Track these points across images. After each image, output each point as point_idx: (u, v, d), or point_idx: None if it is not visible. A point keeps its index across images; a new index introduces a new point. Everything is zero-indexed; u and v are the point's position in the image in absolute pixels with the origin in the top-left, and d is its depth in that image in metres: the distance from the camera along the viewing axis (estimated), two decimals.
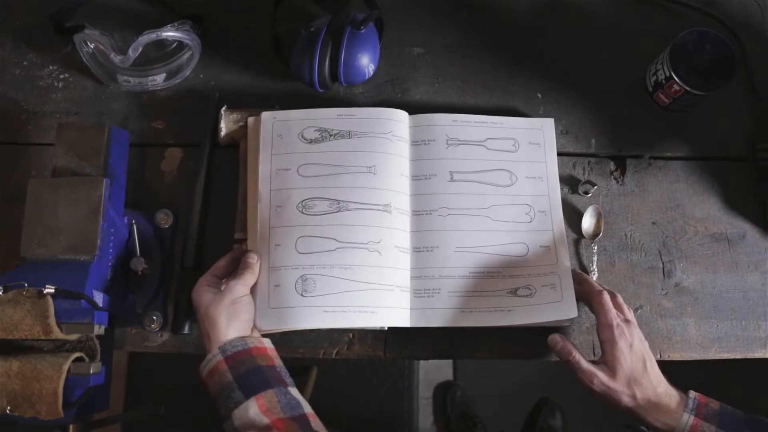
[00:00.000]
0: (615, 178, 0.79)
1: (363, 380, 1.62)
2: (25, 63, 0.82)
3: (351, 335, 0.72)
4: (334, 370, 1.60)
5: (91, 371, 0.57)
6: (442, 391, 1.64)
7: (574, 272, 0.72)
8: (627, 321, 0.66)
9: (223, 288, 0.65)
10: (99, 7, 0.84)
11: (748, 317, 0.75)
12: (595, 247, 0.76)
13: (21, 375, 0.55)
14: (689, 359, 0.75)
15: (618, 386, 0.63)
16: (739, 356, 0.75)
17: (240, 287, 0.65)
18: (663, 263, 0.76)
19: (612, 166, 0.80)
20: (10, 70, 0.81)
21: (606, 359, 0.64)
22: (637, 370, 0.63)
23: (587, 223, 0.76)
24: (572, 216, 0.76)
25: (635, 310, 0.74)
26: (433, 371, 1.65)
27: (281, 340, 0.71)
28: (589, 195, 0.77)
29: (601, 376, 0.63)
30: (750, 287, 0.77)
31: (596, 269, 0.75)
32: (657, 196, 0.79)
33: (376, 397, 1.61)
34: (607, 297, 0.66)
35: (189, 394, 1.60)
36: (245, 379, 0.57)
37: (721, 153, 0.81)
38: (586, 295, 0.69)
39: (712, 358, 0.75)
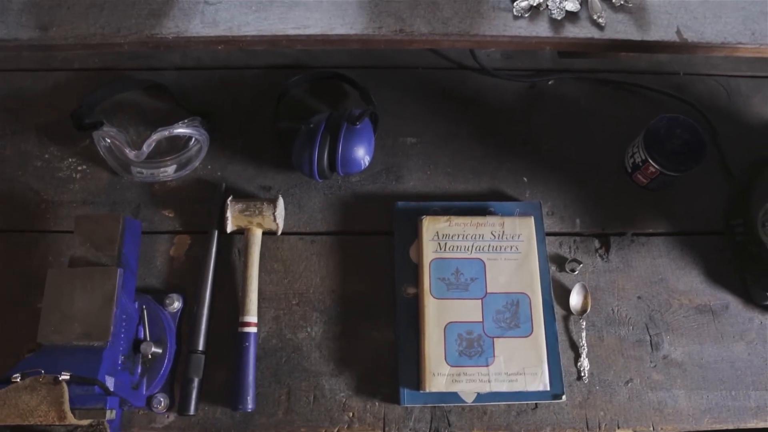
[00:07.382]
0: (600, 256, 0.83)
1: None
2: (46, 156, 0.88)
3: (351, 414, 0.75)
4: None
5: None
6: None
7: None
8: None
9: None
10: (116, 103, 0.91)
11: (738, 387, 0.77)
12: (584, 323, 0.79)
13: None
14: (683, 431, 0.76)
15: None
16: (731, 426, 0.77)
17: None
18: (650, 336, 0.79)
19: (597, 243, 0.84)
20: (32, 163, 0.88)
21: None
22: None
23: (575, 299, 0.80)
24: (560, 293, 0.80)
25: (626, 383, 0.77)
26: None
27: (283, 420, 0.74)
28: (576, 272, 0.81)
29: None
30: (737, 357, 0.79)
31: (585, 344, 0.78)
32: (641, 272, 0.83)
33: None
34: None
35: None
36: None
37: (700, 228, 0.85)
38: None
39: (705, 429, 0.76)
